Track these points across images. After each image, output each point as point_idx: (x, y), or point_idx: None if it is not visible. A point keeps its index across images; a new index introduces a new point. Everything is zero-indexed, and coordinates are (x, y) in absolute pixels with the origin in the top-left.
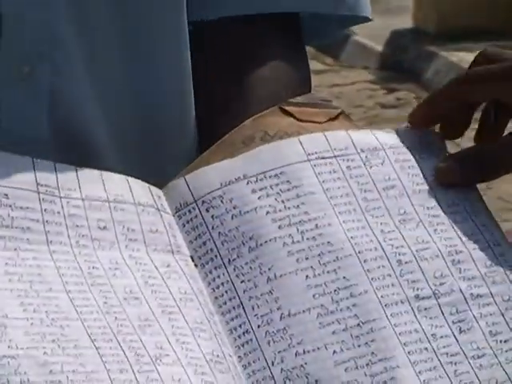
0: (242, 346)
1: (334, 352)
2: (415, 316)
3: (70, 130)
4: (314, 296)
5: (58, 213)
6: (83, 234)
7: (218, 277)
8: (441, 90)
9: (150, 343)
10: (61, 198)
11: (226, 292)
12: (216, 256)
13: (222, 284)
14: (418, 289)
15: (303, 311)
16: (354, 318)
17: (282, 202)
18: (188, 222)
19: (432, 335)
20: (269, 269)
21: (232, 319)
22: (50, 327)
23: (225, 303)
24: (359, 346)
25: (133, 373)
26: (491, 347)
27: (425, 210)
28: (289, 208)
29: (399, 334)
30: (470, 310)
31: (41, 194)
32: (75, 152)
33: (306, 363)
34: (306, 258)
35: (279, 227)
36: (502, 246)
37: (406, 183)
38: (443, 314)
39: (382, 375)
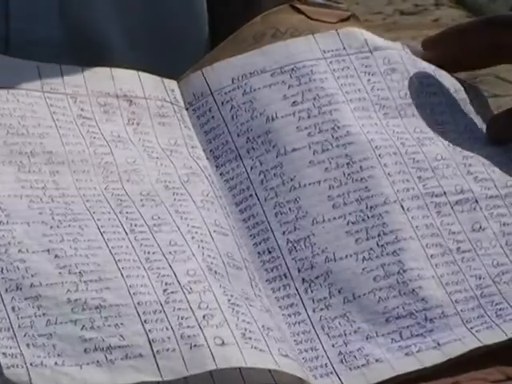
0: (253, 227)
1: (341, 224)
2: (429, 211)
3: (81, 27)
4: (335, 206)
5: (64, 107)
6: (91, 125)
7: (233, 169)
8: (470, 26)
9: (148, 214)
10: (66, 94)
11: (241, 182)
12: (231, 148)
13: (237, 176)
14: (430, 186)
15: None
16: (378, 227)
17: (298, 96)
18: (203, 115)
19: (445, 230)
20: (287, 166)
21: (245, 209)
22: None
23: (239, 193)
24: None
25: (143, 269)
26: (502, 246)
27: (434, 115)
28: (305, 101)
29: (416, 226)
30: (481, 210)
31: (45, 94)
32: (87, 51)
33: (313, 234)
34: (323, 150)
35: (298, 119)
36: None
37: (416, 84)
38: (454, 211)
39: (394, 267)
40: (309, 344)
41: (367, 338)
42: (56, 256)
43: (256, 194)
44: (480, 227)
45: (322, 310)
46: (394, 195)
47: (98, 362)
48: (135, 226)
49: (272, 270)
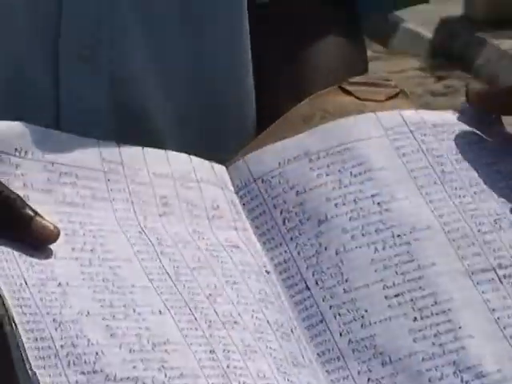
0: (308, 318)
1: (401, 323)
2: (497, 284)
3: (129, 108)
4: (378, 270)
5: (124, 190)
6: (150, 211)
7: (280, 254)
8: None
9: (220, 311)
10: (125, 175)
11: (289, 268)
12: (277, 234)
13: (285, 261)
14: (500, 257)
15: (368, 284)
16: (419, 290)
17: (346, 178)
18: (249, 202)
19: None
20: (333, 245)
21: (296, 293)
22: (114, 294)
23: (288, 278)
24: (426, 316)
25: (204, 336)
26: None
27: (494, 182)
28: (355, 184)
29: (481, 301)
30: None
31: (106, 174)
32: (135, 131)
33: (374, 334)
34: (376, 231)
35: (343, 204)
36: None
37: (472, 157)
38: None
39: (452, 345)
40: None
41: None
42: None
43: (312, 296)
44: None
45: None
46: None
47: None
48: (210, 321)
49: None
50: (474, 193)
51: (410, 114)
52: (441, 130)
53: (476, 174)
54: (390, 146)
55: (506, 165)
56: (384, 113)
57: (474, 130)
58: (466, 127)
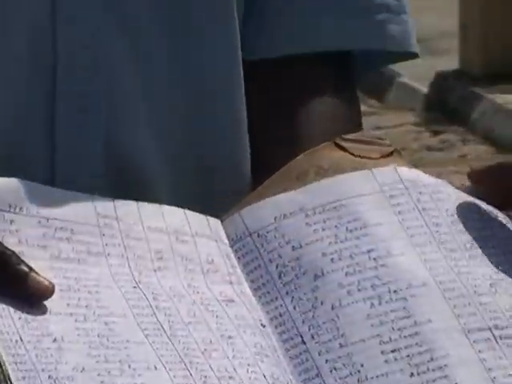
0: (304, 372)
1: (397, 379)
2: (494, 344)
3: (124, 164)
4: (374, 325)
5: (119, 245)
6: (144, 265)
7: (276, 308)
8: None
9: (215, 366)
10: (120, 230)
11: (285, 322)
12: (273, 288)
13: (280, 315)
14: (496, 318)
15: (365, 339)
16: (416, 346)
17: (342, 233)
18: (244, 256)
19: (496, 366)
20: (329, 299)
21: (292, 347)
22: (110, 349)
23: (284, 332)
24: (423, 372)
25: None
26: None
27: (489, 247)
28: (351, 239)
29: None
30: None
31: (101, 229)
32: (129, 186)
33: None
34: (372, 287)
35: (339, 259)
36: None
37: (468, 220)
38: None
39: None
40: None
41: None
42: None
43: (308, 350)
44: None
45: None
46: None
47: None
48: (205, 377)
49: None
50: (469, 257)
51: (406, 171)
52: (436, 190)
53: (471, 238)
54: (386, 203)
55: (500, 230)
56: (379, 169)
57: (469, 196)
58: (461, 193)
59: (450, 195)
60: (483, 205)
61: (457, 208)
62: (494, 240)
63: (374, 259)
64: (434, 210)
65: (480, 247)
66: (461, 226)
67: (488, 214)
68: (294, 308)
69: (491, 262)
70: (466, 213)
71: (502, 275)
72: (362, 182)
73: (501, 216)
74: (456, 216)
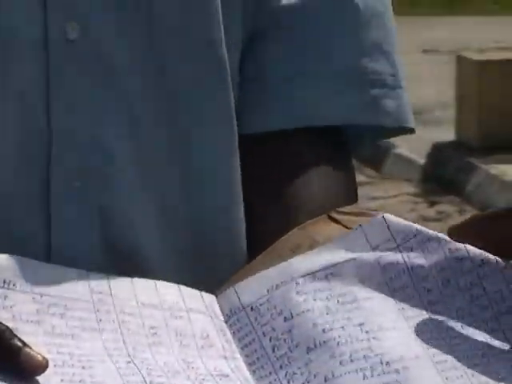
0: None
1: None
2: None
3: (121, 245)
4: None
5: (113, 321)
6: (139, 341)
7: (270, 383)
8: (503, 213)
9: None
10: (114, 306)
11: None
12: (267, 363)
13: None
14: None
15: None
16: None
17: (333, 305)
18: (238, 330)
19: None
20: (321, 371)
21: None
22: None
23: None
24: None
25: None
26: None
27: (480, 311)
28: (342, 311)
29: None
30: None
31: (95, 304)
32: (126, 266)
33: None
34: (364, 358)
35: (331, 329)
36: None
37: (460, 280)
38: None
39: None
40: None
41: None
42: None
43: None
44: None
45: None
46: None
47: None
48: None
49: None
50: (461, 327)
51: (398, 225)
52: (426, 240)
53: (463, 304)
54: (378, 267)
55: (491, 284)
56: (371, 228)
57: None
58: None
59: (440, 245)
60: (474, 256)
61: (446, 260)
62: (486, 297)
63: (366, 332)
64: (424, 267)
65: (471, 314)
66: (451, 290)
67: (478, 268)
68: (288, 382)
69: (483, 328)
70: (455, 268)
71: (494, 341)
72: (353, 244)
73: (493, 266)
74: (446, 271)
